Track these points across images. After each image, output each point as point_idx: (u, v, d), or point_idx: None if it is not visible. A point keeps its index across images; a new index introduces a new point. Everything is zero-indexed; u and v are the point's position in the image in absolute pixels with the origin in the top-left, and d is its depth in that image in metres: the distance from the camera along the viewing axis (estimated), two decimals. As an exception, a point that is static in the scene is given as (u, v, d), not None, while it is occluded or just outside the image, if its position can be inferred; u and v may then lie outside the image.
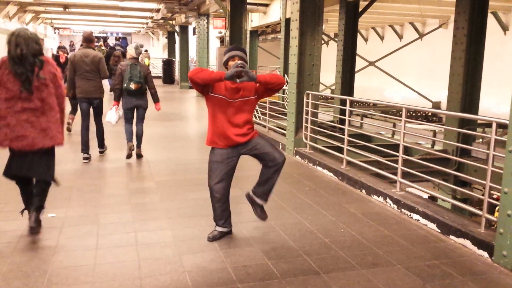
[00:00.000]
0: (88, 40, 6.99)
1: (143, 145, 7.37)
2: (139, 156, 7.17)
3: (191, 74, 3.71)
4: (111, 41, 37.84)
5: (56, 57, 13.06)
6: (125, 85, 6.73)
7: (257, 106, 10.96)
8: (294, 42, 7.48)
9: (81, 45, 7.19)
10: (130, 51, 6.87)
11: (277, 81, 3.88)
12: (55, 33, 35.13)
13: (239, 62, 3.75)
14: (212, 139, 3.93)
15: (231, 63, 3.84)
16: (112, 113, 6.97)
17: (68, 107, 5.69)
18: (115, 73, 7.06)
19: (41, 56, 3.84)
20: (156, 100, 7.20)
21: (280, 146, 8.28)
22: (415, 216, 4.67)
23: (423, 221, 4.56)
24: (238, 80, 3.71)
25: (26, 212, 4.08)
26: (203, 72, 3.71)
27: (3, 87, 3.75)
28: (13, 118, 3.75)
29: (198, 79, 3.69)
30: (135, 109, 7.01)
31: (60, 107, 3.97)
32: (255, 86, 3.91)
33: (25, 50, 3.72)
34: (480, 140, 8.94)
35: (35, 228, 3.90)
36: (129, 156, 7.00)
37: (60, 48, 13.05)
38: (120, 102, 7.02)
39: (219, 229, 4.09)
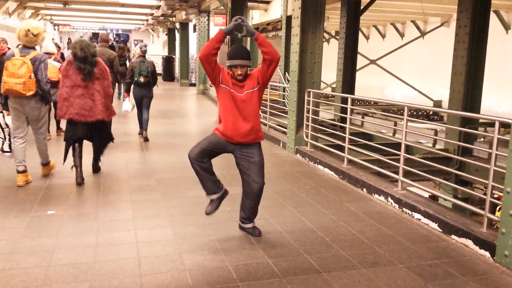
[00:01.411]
0: (105, 40, 8.29)
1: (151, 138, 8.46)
2: (146, 139, 8.37)
3: (200, 55, 3.79)
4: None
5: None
6: (136, 78, 8.06)
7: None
8: (295, 40, 7.45)
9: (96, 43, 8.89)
10: (137, 51, 8.31)
11: (273, 49, 3.82)
12: (54, 29, 35.04)
13: (238, 17, 3.81)
14: (220, 130, 3.94)
15: (233, 69, 3.85)
16: (127, 103, 8.26)
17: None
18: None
19: (95, 57, 5.39)
20: (155, 83, 8.52)
21: (281, 144, 8.26)
22: (417, 215, 4.65)
23: (424, 220, 4.54)
24: (239, 35, 3.75)
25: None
26: (204, 46, 3.79)
27: (68, 78, 5.32)
28: (74, 100, 5.31)
29: (202, 56, 3.76)
30: (142, 99, 8.37)
31: (106, 94, 5.55)
32: (256, 76, 3.92)
33: (87, 53, 5.28)
34: (482, 139, 8.91)
35: (82, 182, 5.50)
36: (146, 139, 8.38)
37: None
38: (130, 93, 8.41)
39: (214, 196, 4.03)
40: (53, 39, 21.77)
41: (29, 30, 5.19)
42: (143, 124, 8.52)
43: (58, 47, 14.20)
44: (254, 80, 3.91)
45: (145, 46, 8.51)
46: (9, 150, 5.50)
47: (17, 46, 5.33)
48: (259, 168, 3.97)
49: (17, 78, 5.02)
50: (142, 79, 8.02)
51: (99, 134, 5.71)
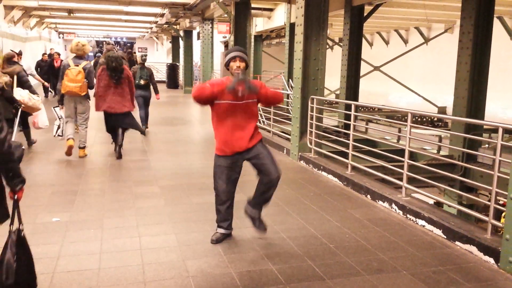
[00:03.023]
0: (110, 49, 9.76)
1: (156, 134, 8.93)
2: (143, 133, 9.18)
3: (194, 95, 3.79)
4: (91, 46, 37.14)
5: (50, 62, 13.37)
6: (137, 81, 9.41)
7: (261, 110, 10.95)
8: (298, 47, 7.48)
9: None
10: (139, 59, 10.26)
11: (277, 101, 4.13)
12: (59, 37, 35.26)
13: (241, 76, 3.74)
14: (220, 147, 3.94)
15: (232, 64, 3.83)
16: None
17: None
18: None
19: (122, 66, 7.22)
20: (156, 92, 10.11)
21: (285, 151, 8.27)
22: (421, 222, 4.64)
23: (428, 227, 4.53)
24: (239, 93, 3.74)
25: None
26: (204, 90, 3.76)
27: (102, 81, 7.19)
28: (108, 97, 7.21)
29: (202, 98, 3.79)
30: (142, 98, 9.81)
31: (130, 92, 7.40)
32: (261, 85, 3.97)
33: (116, 64, 7.13)
34: (487, 145, 8.89)
35: (120, 156, 7.35)
36: (143, 133, 9.14)
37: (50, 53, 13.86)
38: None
39: (222, 231, 4.10)
40: (51, 49, 21.89)
41: (79, 42, 7.13)
42: (144, 119, 10.00)
43: (58, 54, 15.10)
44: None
45: (145, 55, 10.30)
46: (61, 135, 7.48)
47: (66, 57, 7.07)
48: (269, 158, 3.94)
49: (76, 83, 6.86)
50: (142, 82, 9.61)
51: (126, 122, 7.49)
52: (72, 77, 6.81)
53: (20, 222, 2.75)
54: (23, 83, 7.17)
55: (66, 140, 7.08)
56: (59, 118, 7.46)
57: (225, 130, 3.88)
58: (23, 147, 2.83)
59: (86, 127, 7.36)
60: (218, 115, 3.90)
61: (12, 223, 2.70)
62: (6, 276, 2.63)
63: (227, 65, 3.90)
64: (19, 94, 6.87)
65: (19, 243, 2.72)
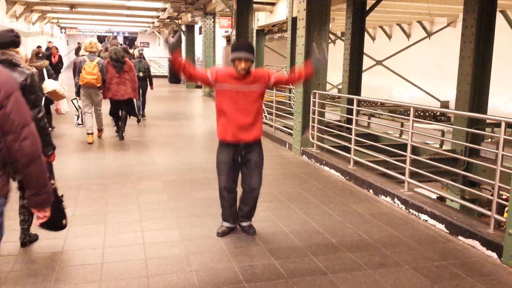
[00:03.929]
0: (115, 44, 10.95)
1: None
2: (139, 121, 10.59)
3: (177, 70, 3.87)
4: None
5: (47, 56, 13.51)
6: (136, 73, 9.80)
7: (263, 105, 10.93)
8: (300, 41, 7.46)
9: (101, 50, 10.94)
10: (136, 53, 11.13)
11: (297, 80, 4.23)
12: (61, 32, 35.24)
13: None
14: (221, 132, 3.95)
15: (237, 63, 3.83)
16: None
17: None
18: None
19: (124, 58, 8.44)
20: (151, 83, 11.17)
21: (287, 145, 8.27)
22: (423, 217, 4.64)
23: (431, 221, 4.53)
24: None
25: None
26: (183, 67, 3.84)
27: (108, 73, 8.22)
28: (113, 86, 8.34)
29: (181, 71, 3.87)
30: (140, 89, 10.62)
31: (132, 81, 8.54)
32: (267, 77, 3.97)
33: (119, 56, 8.34)
34: (489, 140, 8.86)
35: (122, 138, 8.62)
36: (138, 121, 10.60)
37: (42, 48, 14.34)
38: None
39: (227, 224, 4.16)
40: (49, 42, 21.89)
41: (91, 41, 8.23)
42: (142, 106, 11.16)
43: (56, 48, 15.70)
44: (261, 80, 3.94)
45: (142, 49, 11.43)
46: (81, 123, 9.22)
47: (82, 55, 8.26)
48: (258, 168, 4.03)
49: (92, 75, 7.88)
50: (141, 74, 10.65)
51: (128, 108, 8.72)
52: (90, 70, 7.88)
53: (52, 178, 3.66)
54: (50, 76, 8.16)
55: (87, 135, 8.29)
56: (77, 109, 9.11)
57: (228, 116, 3.88)
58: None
59: (101, 113, 8.60)
60: (220, 101, 3.92)
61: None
62: None
63: (232, 62, 3.89)
64: (53, 84, 7.83)
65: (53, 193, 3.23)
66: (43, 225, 3.55)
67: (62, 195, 3.78)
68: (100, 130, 8.77)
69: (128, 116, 8.86)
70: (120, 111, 8.66)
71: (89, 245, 3.87)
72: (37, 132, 2.17)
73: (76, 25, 33.61)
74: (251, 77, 3.89)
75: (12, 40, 3.37)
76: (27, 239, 3.82)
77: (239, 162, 4.04)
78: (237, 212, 4.18)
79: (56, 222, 3.70)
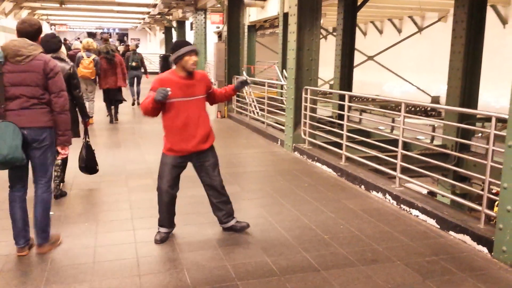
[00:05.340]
0: (106, 39, 11.38)
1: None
2: (133, 104, 12.97)
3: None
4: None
5: None
6: (130, 63, 12.48)
7: (255, 101, 10.92)
8: (292, 37, 7.44)
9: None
10: (131, 46, 13.69)
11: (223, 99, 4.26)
12: (51, 29, 34.92)
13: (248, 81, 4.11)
14: (169, 147, 3.93)
15: (187, 58, 3.74)
16: None
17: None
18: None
19: (114, 52, 10.18)
20: (145, 72, 13.31)
21: (279, 142, 8.27)
22: (414, 212, 4.66)
23: (422, 216, 4.55)
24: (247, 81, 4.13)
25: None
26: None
27: (102, 65, 9.67)
28: (106, 78, 9.94)
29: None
30: (134, 77, 12.77)
31: (122, 72, 10.19)
32: (205, 84, 3.95)
33: (109, 50, 9.96)
34: (480, 134, 8.92)
35: (115, 120, 10.36)
36: (133, 104, 12.99)
37: None
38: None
39: (165, 230, 4.00)
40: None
41: (88, 41, 9.50)
42: (136, 94, 12.94)
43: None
44: (202, 86, 3.91)
45: (139, 42, 13.23)
46: None
47: (79, 52, 9.53)
48: (216, 166, 4.03)
49: (88, 69, 9.14)
50: (134, 63, 12.59)
51: (114, 94, 10.16)
52: (86, 65, 9.20)
53: (88, 136, 5.11)
54: None
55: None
56: None
57: (178, 128, 3.84)
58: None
59: (93, 101, 10.02)
60: (168, 114, 3.85)
61: (84, 137, 5.09)
62: (81, 162, 5.21)
63: (180, 59, 3.79)
64: None
65: (87, 147, 5.17)
66: (84, 170, 5.25)
67: (94, 149, 5.26)
68: (91, 117, 9.66)
69: (120, 102, 10.50)
70: (112, 101, 10.25)
71: (80, 244, 3.84)
72: (68, 98, 3.75)
73: (66, 21, 33.33)
74: (196, 75, 3.87)
75: (60, 45, 4.92)
76: (59, 193, 4.97)
77: (184, 168, 4.01)
78: (174, 215, 4.06)
79: (93, 167, 5.29)
